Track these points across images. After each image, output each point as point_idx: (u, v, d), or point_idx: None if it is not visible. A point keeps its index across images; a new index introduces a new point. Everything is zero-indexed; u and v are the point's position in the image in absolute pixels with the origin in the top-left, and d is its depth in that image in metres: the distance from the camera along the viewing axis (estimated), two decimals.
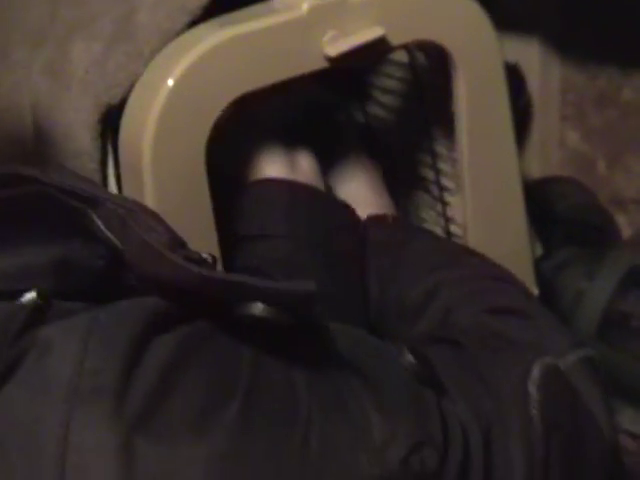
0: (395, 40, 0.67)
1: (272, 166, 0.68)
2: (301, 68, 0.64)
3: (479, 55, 0.71)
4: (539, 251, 0.90)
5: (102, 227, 0.47)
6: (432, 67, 0.80)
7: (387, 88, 0.93)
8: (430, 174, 0.92)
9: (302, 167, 0.72)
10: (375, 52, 0.66)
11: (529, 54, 1.17)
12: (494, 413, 0.49)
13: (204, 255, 0.48)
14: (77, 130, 0.62)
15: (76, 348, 0.40)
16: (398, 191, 1.00)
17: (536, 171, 1.21)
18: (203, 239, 0.62)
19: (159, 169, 0.60)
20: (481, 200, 0.77)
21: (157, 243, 0.45)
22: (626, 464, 0.96)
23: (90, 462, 0.37)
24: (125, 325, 0.41)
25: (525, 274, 0.83)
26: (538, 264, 1.04)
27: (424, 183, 0.95)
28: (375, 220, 0.76)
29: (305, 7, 0.63)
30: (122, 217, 0.46)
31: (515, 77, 1.13)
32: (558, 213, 1.07)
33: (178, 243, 0.47)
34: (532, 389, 0.50)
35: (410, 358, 0.49)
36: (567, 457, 0.50)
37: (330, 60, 0.64)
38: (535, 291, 0.85)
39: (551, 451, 0.49)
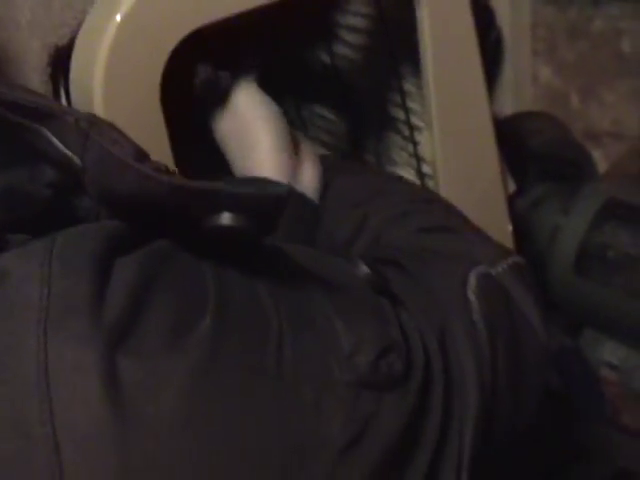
0: None
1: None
2: (257, 0, 0.61)
3: None
4: (512, 188, 0.89)
5: (58, 144, 0.44)
6: (397, 1, 0.78)
7: (353, 26, 0.90)
8: (400, 113, 0.90)
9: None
10: None
11: None
12: (442, 321, 0.50)
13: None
14: (27, 73, 0.60)
15: (38, 272, 0.38)
16: (367, 133, 0.99)
17: (509, 108, 1.19)
18: None
19: (111, 110, 0.58)
20: (450, 136, 0.75)
21: (123, 155, 0.43)
22: (607, 394, 0.96)
23: (73, 381, 0.36)
24: (86, 247, 0.40)
25: (498, 211, 0.82)
26: (512, 201, 1.03)
27: (394, 123, 0.93)
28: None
29: None
30: (83, 130, 0.44)
31: (484, 11, 1.11)
32: (532, 149, 1.06)
33: (143, 155, 0.45)
34: (471, 297, 0.52)
35: (365, 269, 0.50)
36: (509, 358, 0.52)
37: None
38: (509, 228, 0.83)
39: (496, 353, 0.51)
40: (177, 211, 0.42)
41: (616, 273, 0.90)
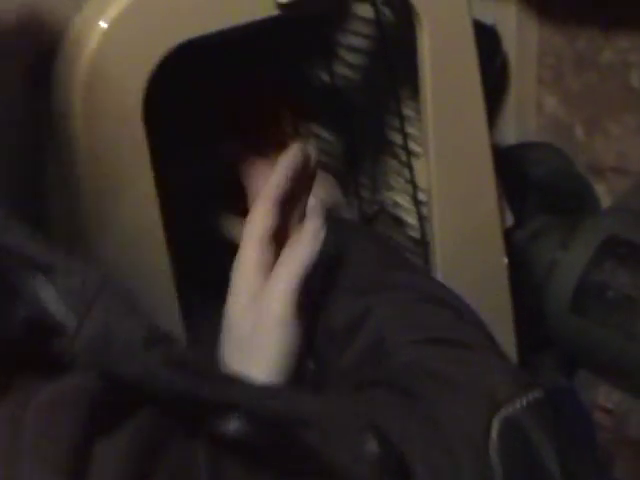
0: None
1: None
2: (249, 15, 0.59)
3: (446, 11, 0.67)
4: (510, 221, 0.86)
5: (54, 297, 0.37)
6: (399, 23, 0.75)
7: (353, 46, 0.88)
8: (398, 138, 0.87)
9: None
10: (333, 2, 0.61)
11: (506, 14, 1.12)
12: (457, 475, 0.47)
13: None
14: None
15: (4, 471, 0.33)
16: (364, 155, 0.96)
17: (513, 137, 1.17)
18: (140, 199, 0.58)
19: (90, 119, 0.55)
20: (446, 163, 0.72)
21: (130, 336, 0.37)
22: (600, 440, 0.93)
23: None
24: (60, 429, 0.34)
25: (494, 242, 0.79)
26: (510, 233, 1.00)
27: (392, 147, 0.90)
28: None
29: None
30: (89, 295, 0.38)
31: (490, 39, 1.09)
32: (533, 180, 1.03)
33: (156, 337, 0.39)
34: (493, 453, 0.49)
35: (374, 447, 0.45)
36: None
37: (282, 7, 0.59)
38: (505, 261, 0.80)
39: None
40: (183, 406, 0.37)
41: (614, 314, 0.87)
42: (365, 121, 0.93)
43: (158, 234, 0.60)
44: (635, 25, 1.03)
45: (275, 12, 0.60)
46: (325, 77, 0.94)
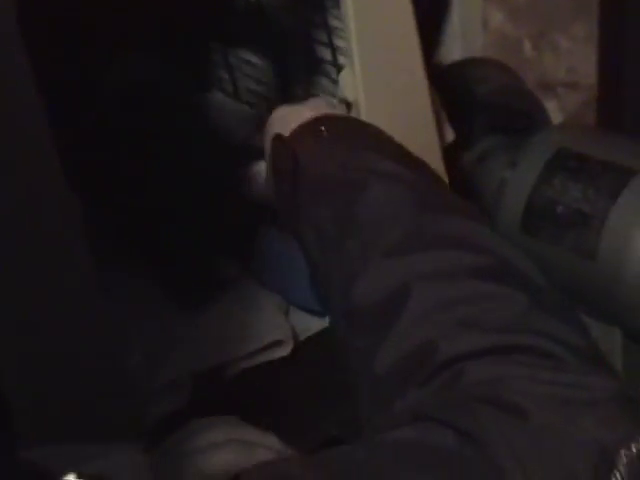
0: None
1: None
2: None
3: None
4: (451, 136, 0.80)
5: None
6: None
7: None
8: (327, 54, 0.81)
9: None
10: None
11: None
12: None
13: None
14: None
15: None
16: (296, 78, 0.90)
17: (458, 54, 1.10)
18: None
19: None
20: (374, 77, 0.66)
21: None
22: None
23: None
24: None
25: (432, 162, 0.74)
26: (458, 155, 0.95)
27: (323, 66, 0.84)
28: (302, 135, 0.61)
29: None
30: None
31: None
32: (479, 98, 0.97)
33: None
34: None
35: None
36: None
37: None
38: (445, 180, 0.75)
39: None
40: None
41: (566, 231, 0.82)
42: (293, 40, 0.87)
43: None
44: None
45: None
46: None
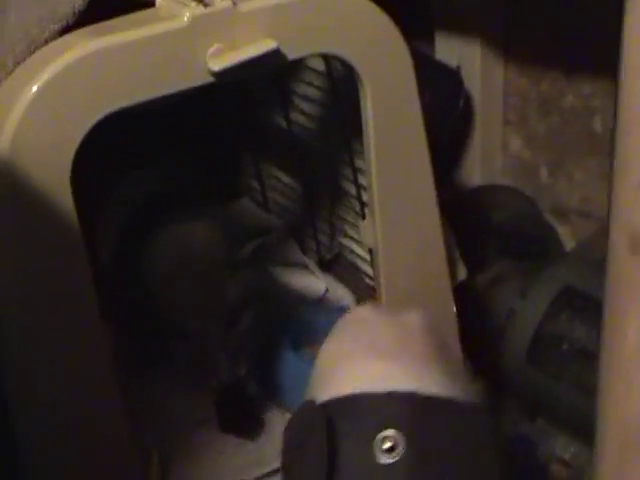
0: (290, 53, 0.61)
1: None
2: (182, 83, 0.58)
3: (387, 70, 0.66)
4: (463, 275, 0.85)
5: None
6: (349, 77, 0.75)
7: (306, 95, 0.87)
8: (352, 189, 0.86)
9: None
10: (268, 65, 0.60)
11: (471, 56, 1.12)
12: None
13: None
14: None
15: None
16: (322, 202, 0.95)
17: (478, 177, 1.16)
18: (71, 274, 0.57)
19: (15, 190, 0.54)
20: (392, 223, 0.72)
21: None
22: None
23: None
24: None
25: (442, 297, 0.79)
26: (471, 277, 0.99)
27: (347, 197, 0.89)
28: None
29: (187, 17, 0.57)
30: None
31: (453, 80, 1.08)
32: (495, 224, 1.03)
33: None
34: None
35: None
36: None
37: (215, 75, 0.58)
38: (453, 309, 0.80)
39: None
40: None
41: (569, 368, 0.86)
42: (321, 168, 0.92)
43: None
44: (597, 70, 1.02)
45: (209, 79, 0.59)
46: (282, 122, 0.93)
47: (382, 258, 0.73)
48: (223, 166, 1.06)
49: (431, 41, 1.15)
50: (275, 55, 0.60)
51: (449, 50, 1.12)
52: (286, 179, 0.99)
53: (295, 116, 0.91)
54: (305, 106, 0.88)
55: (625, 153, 0.32)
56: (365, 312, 0.53)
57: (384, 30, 0.65)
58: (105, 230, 0.78)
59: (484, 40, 1.10)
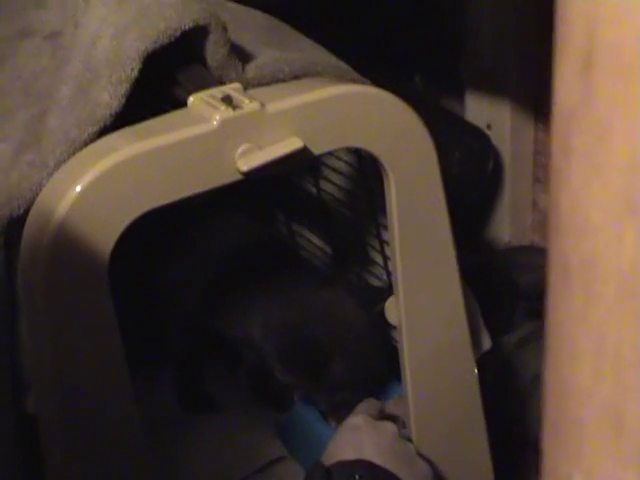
0: (316, 149, 0.63)
1: None
2: (212, 182, 0.61)
3: (411, 162, 0.68)
4: (488, 345, 0.87)
5: None
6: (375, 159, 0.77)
7: (335, 168, 0.90)
8: (379, 258, 0.89)
9: None
10: (296, 161, 0.63)
11: (501, 115, 1.13)
12: None
13: None
14: None
15: None
16: (349, 267, 0.98)
17: (507, 233, 1.17)
18: (112, 375, 0.61)
19: (56, 284, 0.57)
20: (415, 301, 0.74)
21: None
22: None
23: None
24: None
25: (465, 367, 0.80)
26: (499, 338, 1.01)
27: (374, 267, 0.92)
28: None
29: (217, 120, 0.59)
30: None
31: (482, 141, 1.10)
32: (522, 286, 1.04)
33: None
34: None
35: None
36: None
37: (244, 174, 0.61)
38: (475, 379, 0.81)
39: None
40: None
41: None
42: (348, 237, 0.95)
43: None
44: None
45: (239, 177, 0.62)
46: (312, 189, 0.96)
47: (406, 333, 0.75)
48: (258, 220, 1.09)
49: (461, 100, 1.17)
50: (301, 153, 0.62)
51: (479, 109, 1.14)
52: (316, 241, 1.02)
53: (324, 185, 0.93)
54: (334, 177, 0.91)
55: None
56: (357, 420, 0.75)
57: (409, 124, 0.67)
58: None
59: (514, 99, 1.12)
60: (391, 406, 0.89)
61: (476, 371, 0.82)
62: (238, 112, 0.60)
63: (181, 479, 0.81)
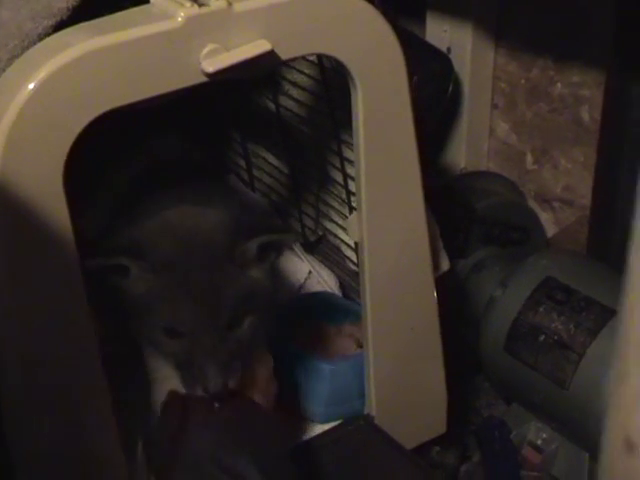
0: (284, 54, 0.61)
1: None
2: (175, 83, 0.58)
3: (379, 69, 0.66)
4: (447, 266, 0.86)
5: None
6: (340, 70, 0.75)
7: (296, 82, 0.87)
8: (339, 176, 0.87)
9: None
10: (262, 65, 0.60)
11: (462, 39, 1.11)
12: None
13: None
14: None
15: None
16: (307, 186, 0.96)
17: (464, 161, 1.17)
18: (60, 266, 0.58)
19: (10, 182, 0.54)
20: (378, 219, 0.72)
21: None
22: (525, 477, 0.95)
23: None
24: None
25: (424, 287, 0.80)
26: (455, 263, 1.00)
27: (333, 184, 0.90)
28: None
29: (181, 17, 0.56)
30: None
31: (443, 63, 1.08)
32: (479, 211, 1.03)
33: None
34: None
35: None
36: None
37: (209, 75, 0.58)
38: (434, 299, 0.81)
39: None
40: None
41: (545, 358, 0.88)
42: (308, 153, 0.92)
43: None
44: (588, 61, 1.03)
45: (203, 79, 0.59)
46: (271, 105, 0.93)
47: (367, 251, 0.74)
48: (211, 143, 1.06)
49: (422, 22, 1.15)
50: (269, 56, 0.60)
51: (440, 32, 1.12)
52: (273, 160, 1.00)
53: (284, 100, 0.91)
54: (294, 92, 0.88)
55: (625, 361, 0.33)
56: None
57: (378, 30, 0.65)
58: (93, 218, 0.77)
59: (476, 23, 1.10)
60: (348, 326, 0.88)
61: (435, 292, 0.82)
62: (204, 10, 0.57)
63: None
